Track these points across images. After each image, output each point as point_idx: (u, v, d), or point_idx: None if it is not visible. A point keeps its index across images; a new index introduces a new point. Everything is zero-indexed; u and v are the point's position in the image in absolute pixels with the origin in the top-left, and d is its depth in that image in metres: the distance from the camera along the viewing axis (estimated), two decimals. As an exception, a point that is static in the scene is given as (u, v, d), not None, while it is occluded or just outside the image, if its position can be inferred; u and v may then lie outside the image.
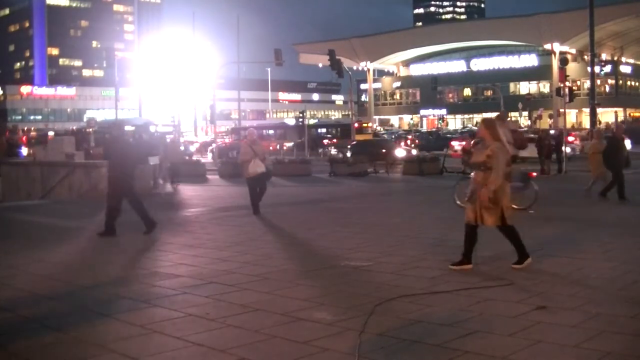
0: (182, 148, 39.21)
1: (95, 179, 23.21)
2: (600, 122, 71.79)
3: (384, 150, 41.90)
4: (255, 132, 19.04)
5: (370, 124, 76.74)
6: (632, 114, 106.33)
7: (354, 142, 49.92)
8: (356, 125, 64.88)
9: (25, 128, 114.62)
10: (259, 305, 8.12)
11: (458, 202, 17.15)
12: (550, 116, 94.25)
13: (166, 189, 25.99)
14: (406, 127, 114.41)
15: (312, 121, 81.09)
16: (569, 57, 67.55)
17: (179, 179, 27.41)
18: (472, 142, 10.30)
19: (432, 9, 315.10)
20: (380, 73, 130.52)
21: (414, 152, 44.36)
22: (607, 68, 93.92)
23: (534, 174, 17.73)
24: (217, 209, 19.91)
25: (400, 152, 43.00)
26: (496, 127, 10.14)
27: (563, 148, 32.58)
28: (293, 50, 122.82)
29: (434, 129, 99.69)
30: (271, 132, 75.43)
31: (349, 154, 41.92)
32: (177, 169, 28.23)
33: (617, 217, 16.24)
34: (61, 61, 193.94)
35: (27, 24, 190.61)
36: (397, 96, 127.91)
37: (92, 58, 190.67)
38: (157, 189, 25.23)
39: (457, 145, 44.23)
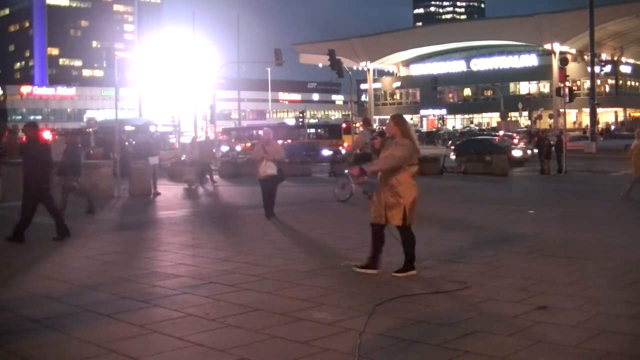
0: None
1: (95, 179, 23.19)
2: (599, 122, 71.73)
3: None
4: (270, 132, 18.31)
5: (358, 125, 76.41)
6: (632, 114, 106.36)
7: (461, 141, 45.66)
8: (344, 125, 64.88)
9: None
10: (259, 305, 8.12)
11: (336, 191, 20.59)
12: (551, 116, 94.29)
13: (204, 187, 27.24)
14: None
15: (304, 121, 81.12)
16: (569, 57, 67.48)
17: (208, 179, 28.23)
18: (381, 140, 9.98)
19: (432, 9, 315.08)
20: (380, 73, 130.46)
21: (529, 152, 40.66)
22: (607, 68, 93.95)
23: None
24: (216, 208, 19.90)
25: (517, 152, 40.01)
26: (407, 124, 9.88)
27: (563, 148, 32.63)
28: (293, 50, 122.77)
29: (433, 129, 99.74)
30: (261, 132, 75.32)
31: (453, 156, 38.18)
32: (210, 169, 28.99)
33: (620, 215, 16.25)
34: (61, 61, 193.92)
35: (27, 24, 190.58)
36: (397, 96, 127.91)
37: (92, 58, 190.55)
38: (195, 188, 26.02)
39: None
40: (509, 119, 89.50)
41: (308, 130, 65.13)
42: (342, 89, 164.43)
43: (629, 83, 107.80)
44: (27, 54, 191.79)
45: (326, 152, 47.29)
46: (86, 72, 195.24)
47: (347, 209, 18.92)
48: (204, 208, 20.42)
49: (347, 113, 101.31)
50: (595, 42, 61.88)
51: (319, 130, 69.35)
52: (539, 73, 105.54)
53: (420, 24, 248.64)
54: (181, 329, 7.22)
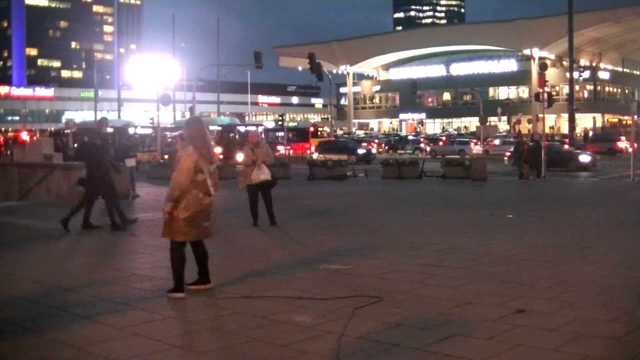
0: None
1: (73, 181, 23.04)
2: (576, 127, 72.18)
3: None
4: (260, 134, 17.26)
5: (325, 129, 76.89)
6: (609, 120, 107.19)
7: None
8: (311, 129, 65.67)
9: (3, 129, 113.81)
10: (239, 307, 8.10)
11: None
12: (529, 121, 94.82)
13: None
14: (384, 131, 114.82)
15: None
16: (548, 62, 67.99)
17: None
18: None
19: (412, 13, 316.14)
20: (360, 77, 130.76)
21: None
22: (586, 74, 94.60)
23: None
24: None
25: (584, 158, 39.41)
26: (194, 127, 8.82)
27: (542, 153, 32.80)
28: (273, 54, 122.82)
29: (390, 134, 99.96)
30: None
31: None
32: None
33: (605, 218, 16.35)
34: (40, 62, 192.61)
35: (5, 24, 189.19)
36: (377, 100, 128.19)
37: (71, 59, 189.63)
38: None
39: None
40: (488, 123, 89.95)
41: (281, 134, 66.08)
42: (322, 92, 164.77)
43: (607, 89, 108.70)
44: (5, 54, 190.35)
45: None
46: (65, 73, 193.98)
47: (326, 212, 18.92)
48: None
49: (326, 116, 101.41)
50: (574, 48, 62.20)
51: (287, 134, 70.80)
52: (518, 78, 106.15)
53: (400, 28, 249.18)
54: (160, 331, 7.19)
